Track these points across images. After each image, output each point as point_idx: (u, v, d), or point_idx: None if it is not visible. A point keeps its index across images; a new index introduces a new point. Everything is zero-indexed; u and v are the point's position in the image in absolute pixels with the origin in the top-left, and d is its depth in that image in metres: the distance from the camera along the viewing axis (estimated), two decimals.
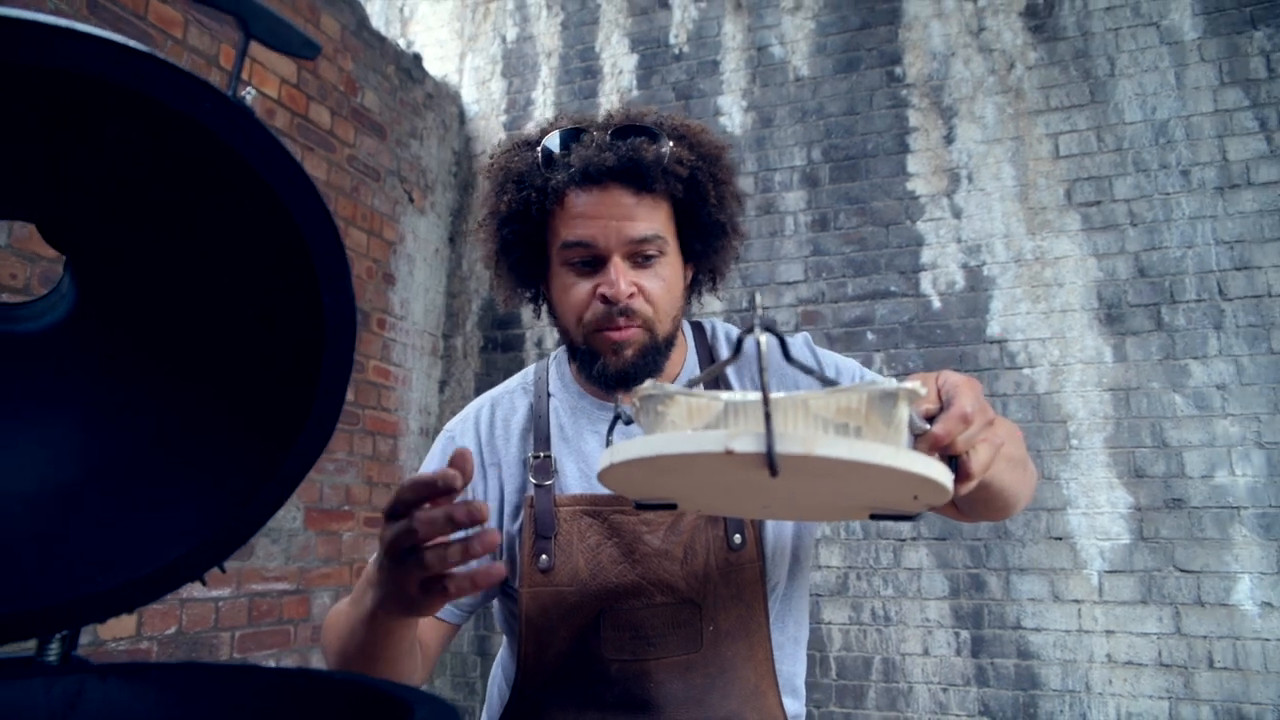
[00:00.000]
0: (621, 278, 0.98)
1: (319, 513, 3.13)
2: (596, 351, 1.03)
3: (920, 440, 0.67)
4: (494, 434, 1.13)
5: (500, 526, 1.09)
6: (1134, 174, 3.12)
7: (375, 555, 0.85)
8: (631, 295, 0.99)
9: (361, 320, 3.40)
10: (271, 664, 2.89)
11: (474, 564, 0.74)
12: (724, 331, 1.18)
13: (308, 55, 0.64)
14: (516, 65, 4.20)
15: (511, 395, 1.17)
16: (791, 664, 1.09)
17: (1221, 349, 2.92)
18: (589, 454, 1.09)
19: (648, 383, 0.61)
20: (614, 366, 1.02)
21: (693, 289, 1.14)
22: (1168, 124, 3.12)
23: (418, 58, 3.99)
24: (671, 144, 1.02)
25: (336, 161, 3.32)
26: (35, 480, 0.73)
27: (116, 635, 2.40)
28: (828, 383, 0.61)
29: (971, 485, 0.70)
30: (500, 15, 4.29)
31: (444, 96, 4.12)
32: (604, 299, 0.99)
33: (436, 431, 3.85)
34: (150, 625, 2.62)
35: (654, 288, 1.01)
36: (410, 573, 0.74)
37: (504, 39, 4.26)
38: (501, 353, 3.89)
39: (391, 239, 3.67)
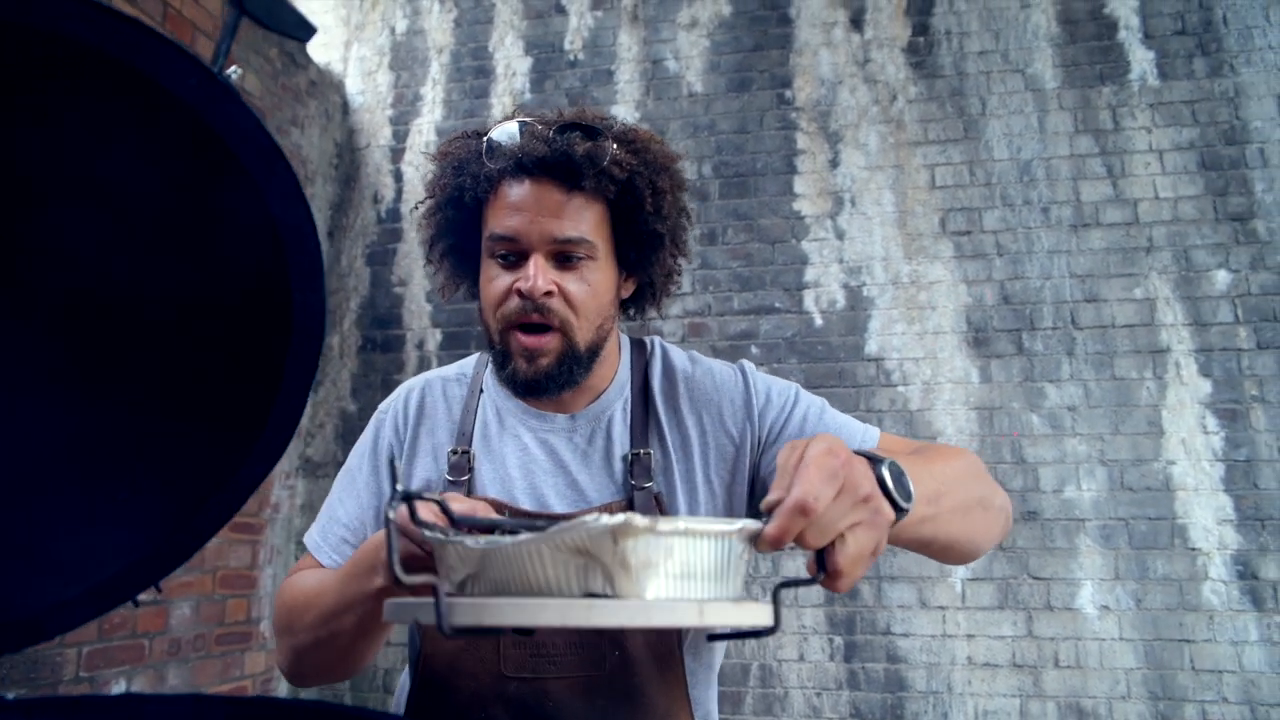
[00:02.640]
0: (540, 274, 0.96)
1: None
2: (510, 353, 1.00)
3: (759, 542, 0.58)
4: (421, 417, 1.11)
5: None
6: (1001, 207, 3.35)
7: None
8: (549, 293, 0.96)
9: None
10: (122, 683, 2.67)
11: None
12: (662, 353, 1.14)
13: (302, 37, 0.60)
14: (405, 59, 4.08)
15: (446, 382, 1.14)
16: (705, 689, 1.06)
17: (1072, 373, 3.17)
18: (506, 458, 1.06)
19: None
20: (525, 374, 0.99)
21: (633, 303, 1.12)
22: (1030, 163, 3.37)
23: (300, 45, 3.80)
24: (615, 146, 0.98)
25: None
26: None
27: None
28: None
29: (845, 583, 0.60)
30: (390, 6, 4.16)
31: (328, 85, 3.95)
32: (519, 293, 0.96)
33: (308, 432, 3.68)
34: (119, 623, 2.38)
35: (576, 291, 0.98)
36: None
37: (393, 30, 4.13)
38: (381, 353, 3.76)
39: None
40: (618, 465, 1.04)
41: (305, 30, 0.69)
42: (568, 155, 0.95)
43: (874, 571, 3.13)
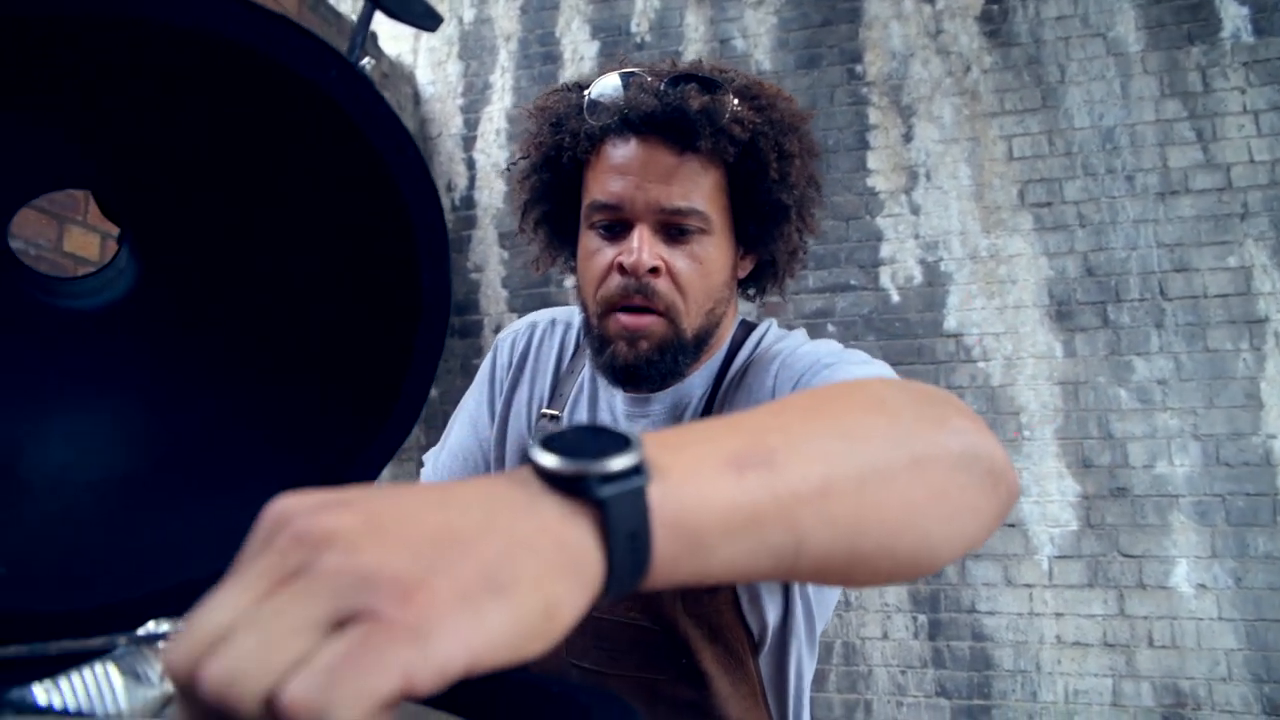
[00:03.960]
0: (645, 247, 0.84)
1: None
2: (608, 337, 0.88)
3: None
4: (527, 360, 1.05)
5: (496, 444, 1.03)
6: (1082, 177, 3.25)
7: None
8: (654, 270, 0.84)
9: None
10: None
11: None
12: (761, 337, 0.96)
13: (429, 26, 0.62)
14: (474, 47, 4.14)
15: (568, 329, 1.05)
16: (786, 698, 0.93)
17: (1162, 346, 3.07)
18: None
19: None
20: (623, 358, 0.87)
21: (750, 284, 0.99)
22: (1114, 131, 3.26)
23: (373, 35, 3.89)
24: (736, 101, 0.84)
25: None
26: (100, 467, 0.70)
27: None
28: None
29: None
30: None
31: (399, 77, 4.04)
32: (622, 269, 0.85)
33: None
34: None
35: (685, 269, 0.85)
36: None
37: (461, 20, 4.19)
38: (459, 339, 3.84)
39: None
40: None
41: (433, 19, 0.70)
42: (681, 111, 0.82)
43: None
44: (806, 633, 0.93)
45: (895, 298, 3.34)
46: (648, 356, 0.87)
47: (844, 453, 0.41)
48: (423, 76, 4.20)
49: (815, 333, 3.35)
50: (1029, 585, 3.01)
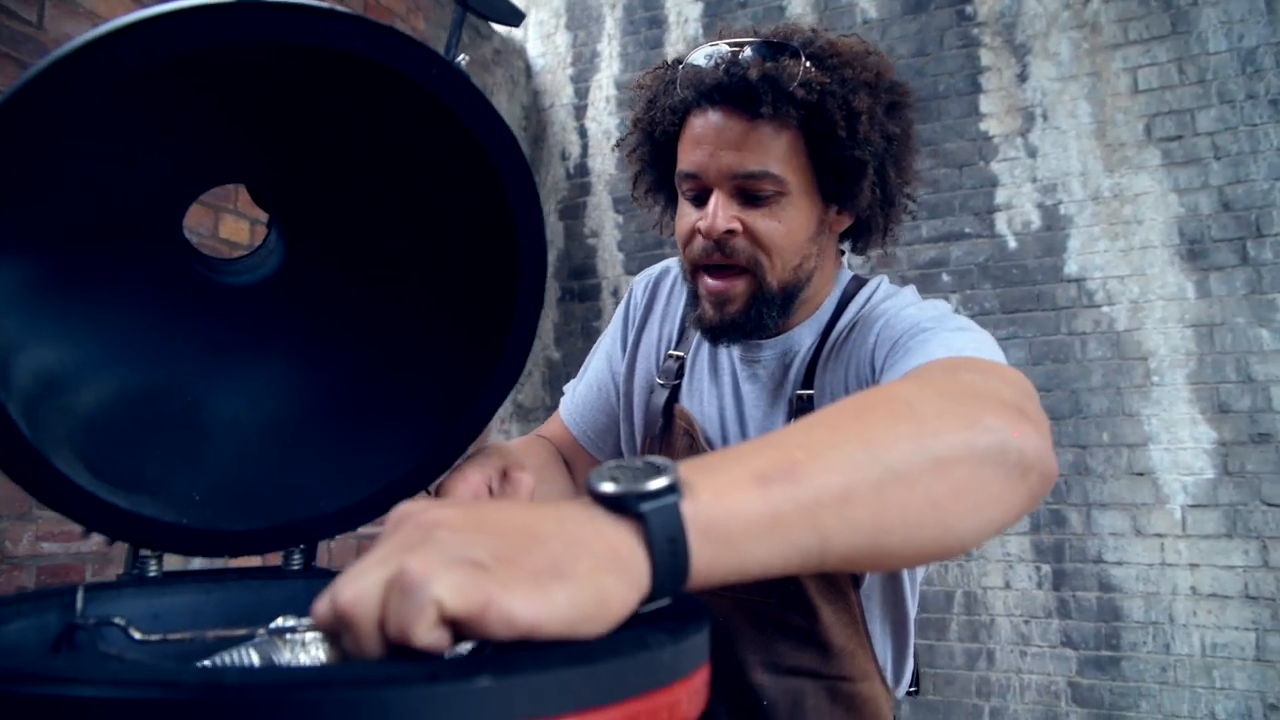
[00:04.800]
0: (720, 212, 0.89)
1: None
2: (699, 296, 0.95)
3: None
4: (656, 300, 1.13)
5: (625, 379, 1.12)
6: (1218, 106, 3.05)
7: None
8: (731, 233, 0.89)
9: None
10: None
11: None
12: (871, 293, 0.98)
13: (514, 22, 0.70)
14: (581, 18, 4.22)
15: None
16: (886, 629, 0.99)
17: None
18: (704, 377, 1.04)
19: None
20: (709, 319, 0.94)
21: (854, 237, 1.01)
22: (1255, 52, 3.04)
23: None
24: (807, 63, 0.87)
25: None
26: (265, 415, 0.82)
27: None
28: None
29: None
30: None
31: (511, 52, 4.17)
32: (700, 233, 0.91)
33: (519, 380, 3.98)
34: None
35: (765, 228, 0.89)
36: None
37: None
38: (579, 302, 3.98)
39: None
40: (783, 405, 0.99)
41: (516, 17, 0.77)
42: (744, 80, 0.86)
43: (1081, 498, 3.02)
44: (907, 572, 0.98)
45: (1012, 244, 3.25)
46: (733, 319, 0.93)
47: (865, 461, 0.47)
48: (533, 50, 4.32)
49: (929, 283, 3.31)
50: (1160, 535, 2.91)
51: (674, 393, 1.06)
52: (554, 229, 4.08)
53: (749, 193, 0.89)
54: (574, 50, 4.21)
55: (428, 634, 0.34)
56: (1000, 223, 3.28)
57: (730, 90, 0.87)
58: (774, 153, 0.88)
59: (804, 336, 0.99)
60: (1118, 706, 2.87)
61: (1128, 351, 3.03)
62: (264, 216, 0.83)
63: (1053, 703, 2.95)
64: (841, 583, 0.94)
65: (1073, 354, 3.11)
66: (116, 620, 0.55)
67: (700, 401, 1.04)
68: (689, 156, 0.92)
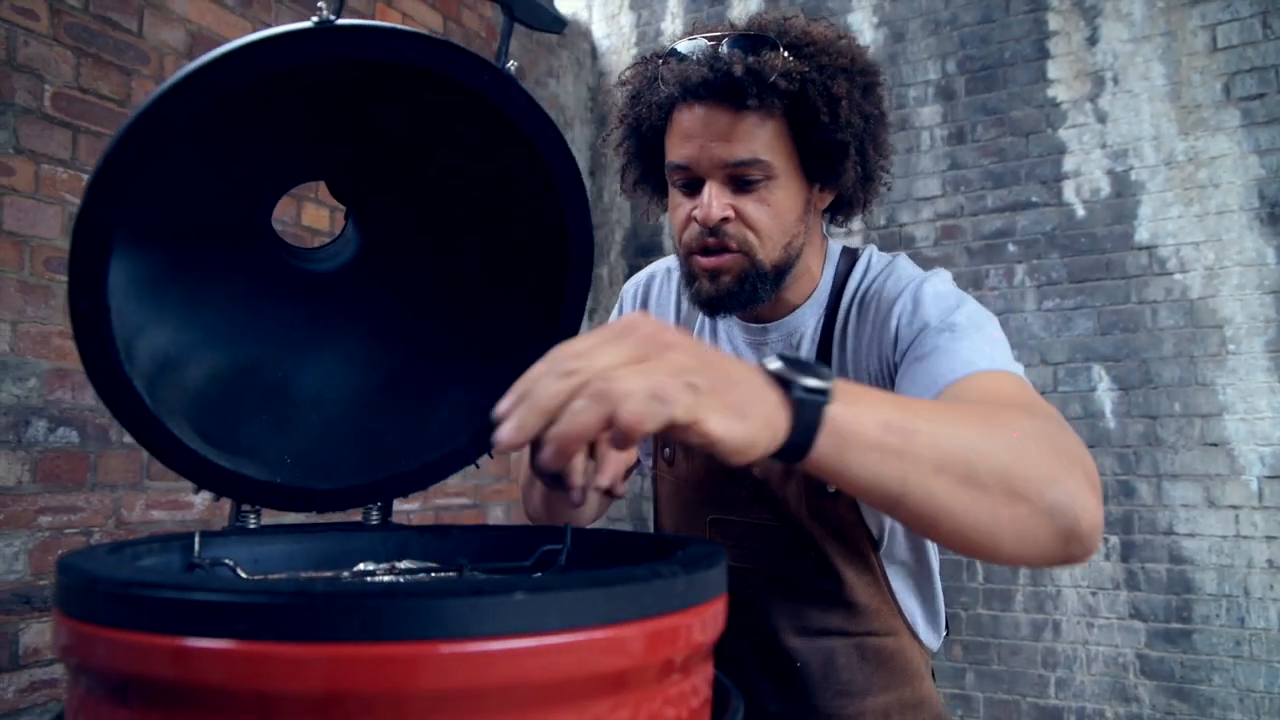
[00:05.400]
0: (715, 201, 0.94)
1: None
2: (694, 274, 0.99)
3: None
4: (649, 302, 1.18)
5: None
6: None
7: None
8: (726, 219, 0.94)
9: None
10: None
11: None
12: (867, 265, 1.06)
13: (557, 30, 0.78)
14: None
15: (677, 274, 1.17)
16: (910, 592, 1.05)
17: None
18: None
19: None
20: (705, 292, 0.98)
21: (835, 211, 1.06)
22: None
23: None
24: (786, 53, 0.92)
25: None
26: (344, 387, 0.92)
27: None
28: None
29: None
30: None
31: (576, 34, 4.24)
32: (696, 220, 0.96)
33: None
34: None
35: (756, 213, 0.95)
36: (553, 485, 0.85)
37: None
38: None
39: None
40: None
41: (559, 25, 0.82)
42: (729, 75, 0.90)
43: (1151, 469, 2.98)
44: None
45: (1080, 212, 3.20)
46: (728, 289, 0.97)
47: (964, 461, 0.60)
48: (598, 31, 4.38)
49: (995, 253, 3.28)
50: (1235, 507, 2.86)
51: None
52: (621, 208, 4.15)
53: (739, 180, 0.94)
54: (638, 30, 4.25)
55: (650, 428, 0.46)
56: (1068, 191, 3.22)
57: (716, 85, 0.92)
58: (761, 140, 0.93)
59: (807, 316, 1.05)
60: (1189, 680, 2.84)
61: (1202, 320, 2.97)
62: (341, 205, 0.92)
63: (1120, 674, 2.94)
64: (862, 546, 1.00)
65: (1143, 323, 3.05)
66: (226, 561, 0.65)
67: None
68: (679, 149, 0.96)
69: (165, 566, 0.62)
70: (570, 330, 0.88)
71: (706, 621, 0.52)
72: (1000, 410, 0.70)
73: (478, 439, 0.91)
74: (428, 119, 0.82)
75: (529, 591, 0.42)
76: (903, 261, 1.04)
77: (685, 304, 1.16)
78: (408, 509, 2.97)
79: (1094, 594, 3.01)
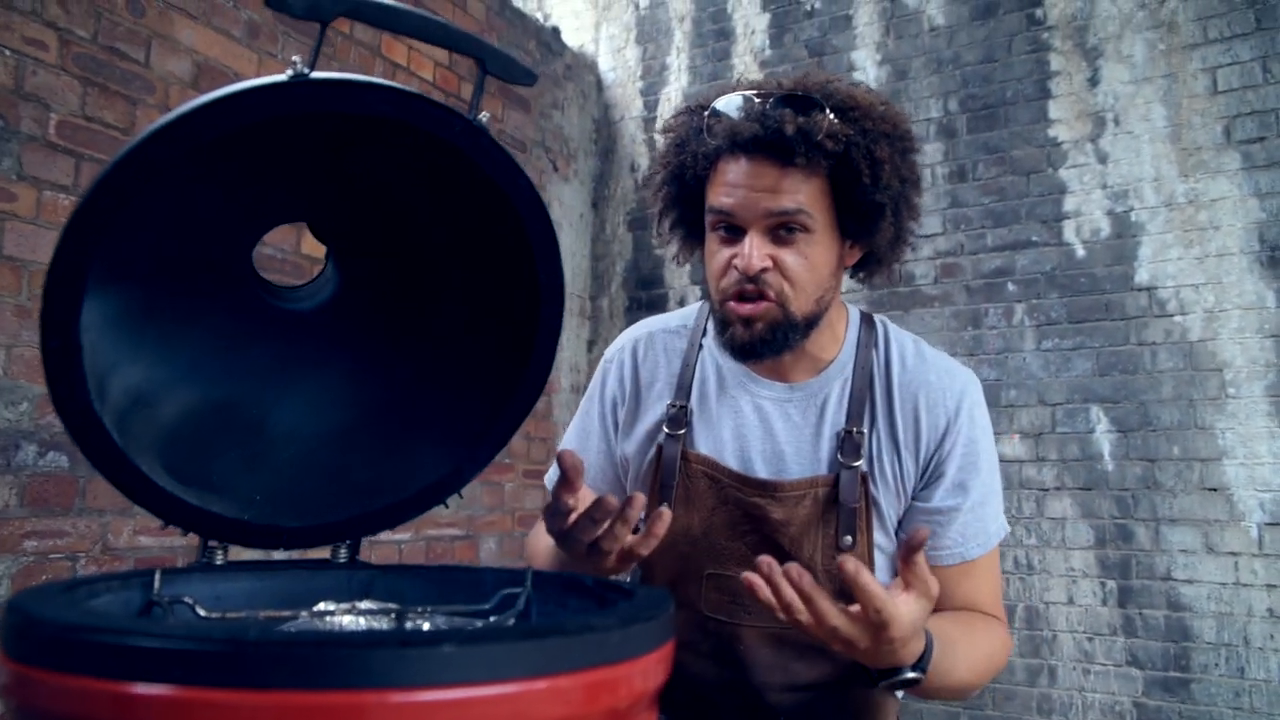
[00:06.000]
0: (756, 250, 0.97)
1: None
2: (729, 321, 1.02)
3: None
4: (641, 369, 1.18)
5: (634, 450, 1.16)
6: None
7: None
8: (765, 269, 0.98)
9: None
10: None
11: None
12: (889, 334, 1.12)
13: (528, 83, 0.79)
14: (650, 31, 4.32)
15: (667, 334, 1.19)
16: None
17: None
18: (721, 418, 1.10)
19: None
20: (739, 338, 1.01)
21: (861, 268, 1.11)
22: None
23: (556, 31, 4.17)
24: (833, 115, 0.97)
25: None
26: (317, 424, 0.93)
27: None
28: None
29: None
30: None
31: (582, 67, 4.30)
32: (736, 268, 0.99)
33: (585, 389, 4.09)
34: None
35: (793, 264, 0.98)
36: (575, 549, 0.90)
37: (637, 6, 4.38)
38: (646, 311, 4.07)
39: None
40: (827, 442, 1.06)
41: (530, 78, 0.85)
42: (780, 133, 0.95)
43: (1149, 513, 2.96)
44: None
45: (1080, 252, 3.20)
46: (761, 336, 1.00)
47: (963, 675, 0.98)
48: (604, 64, 4.44)
49: (995, 292, 3.28)
50: (1234, 553, 2.83)
51: (684, 440, 1.11)
52: (623, 240, 4.18)
53: (780, 229, 0.98)
54: (643, 64, 4.31)
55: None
56: (1068, 231, 3.24)
57: (765, 141, 0.96)
58: (804, 195, 0.97)
59: (832, 381, 1.10)
60: None
61: (1201, 363, 2.96)
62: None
63: None
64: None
65: (1142, 365, 3.04)
66: (186, 599, 0.66)
67: (718, 441, 1.10)
68: (723, 197, 1.00)
69: (123, 604, 0.63)
70: (541, 372, 0.90)
71: (647, 671, 0.52)
72: (985, 644, 1.02)
73: (450, 479, 0.92)
74: (405, 166, 0.84)
75: (458, 643, 0.43)
76: (930, 351, 1.12)
77: (702, 361, 1.15)
78: (399, 539, 2.97)
79: (1090, 639, 2.98)
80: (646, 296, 4.09)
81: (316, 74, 0.68)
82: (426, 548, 3.13)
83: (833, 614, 0.79)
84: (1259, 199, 2.97)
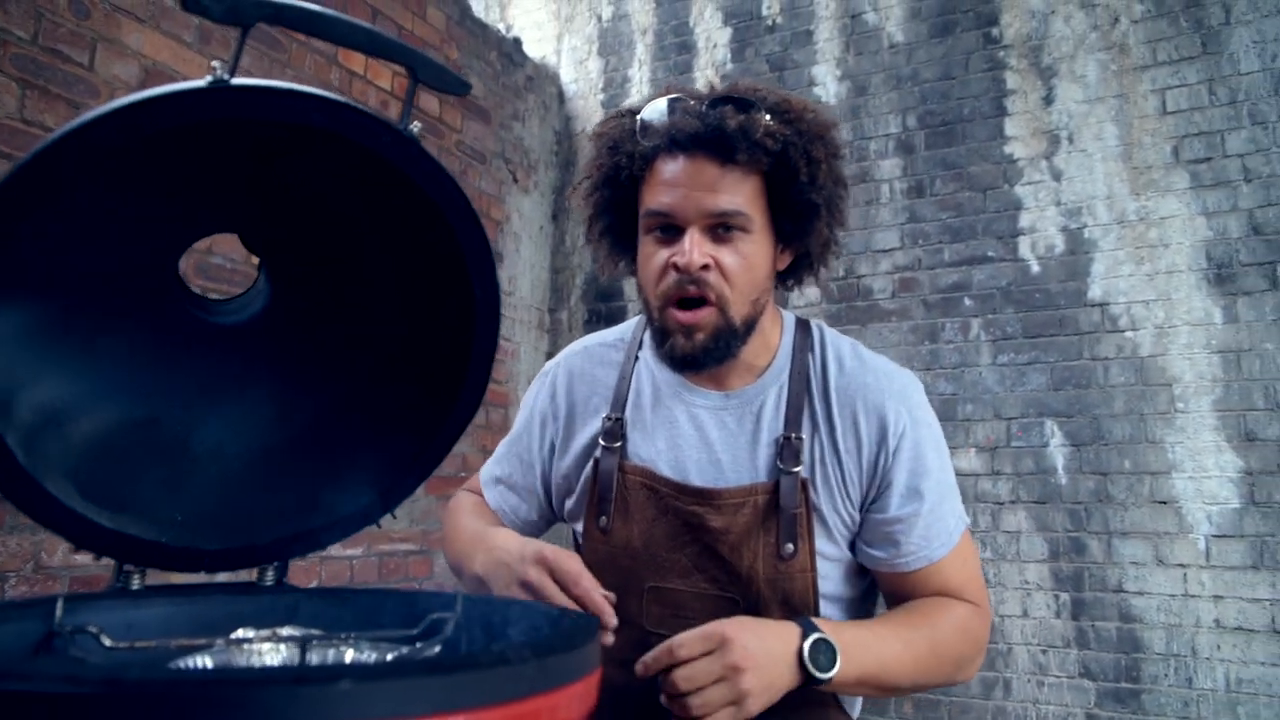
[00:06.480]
0: (696, 248, 0.96)
1: (438, 479, 3.34)
2: (668, 330, 1.01)
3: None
4: (577, 383, 1.16)
5: (571, 467, 1.14)
6: (1249, 127, 3.02)
7: (492, 542, 1.01)
8: (705, 267, 0.96)
9: None
10: None
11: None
12: (824, 339, 1.10)
13: (461, 92, 0.77)
14: (612, 44, 4.32)
15: (605, 348, 1.19)
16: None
17: None
18: (656, 429, 1.09)
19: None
20: (681, 349, 1.00)
21: (789, 275, 1.10)
22: None
23: (518, 42, 4.15)
24: (768, 117, 0.97)
25: (445, 147, 3.51)
26: (245, 444, 0.90)
27: None
28: None
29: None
30: None
31: (543, 78, 4.28)
32: (676, 268, 0.97)
33: None
34: (294, 579, 2.90)
35: (731, 263, 0.97)
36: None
37: (600, 18, 4.38)
38: (606, 324, 4.04)
39: (498, 218, 3.86)
40: (764, 449, 1.04)
41: (463, 88, 0.84)
42: (720, 129, 0.95)
43: (1102, 525, 3.00)
44: (861, 603, 1.11)
45: (1035, 268, 3.25)
46: (704, 346, 0.99)
47: (909, 671, 0.96)
48: (566, 76, 4.43)
49: (951, 307, 3.31)
50: (1183, 565, 2.87)
51: (620, 453, 1.09)
52: (583, 253, 4.16)
53: (719, 229, 0.98)
54: (605, 75, 4.31)
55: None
56: (1024, 246, 3.28)
57: (705, 139, 0.96)
58: (743, 193, 0.98)
59: (768, 387, 1.07)
60: None
61: (1151, 378, 3.01)
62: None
63: None
64: (805, 611, 1.02)
65: (1095, 379, 3.09)
66: (90, 629, 0.62)
67: (654, 451, 1.08)
68: (661, 197, 0.99)
69: (18, 638, 0.60)
70: (476, 391, 0.87)
71: (567, 705, 0.50)
72: (943, 633, 0.99)
73: (378, 501, 0.89)
74: (338, 176, 0.81)
75: (356, 680, 0.41)
76: (868, 354, 1.10)
77: (637, 373, 1.14)
78: (350, 555, 2.92)
79: (1044, 652, 3.00)
80: (606, 309, 4.07)
81: (237, 80, 0.66)
82: (380, 564, 3.07)
83: (685, 675, 0.84)
84: (1206, 217, 3.03)
